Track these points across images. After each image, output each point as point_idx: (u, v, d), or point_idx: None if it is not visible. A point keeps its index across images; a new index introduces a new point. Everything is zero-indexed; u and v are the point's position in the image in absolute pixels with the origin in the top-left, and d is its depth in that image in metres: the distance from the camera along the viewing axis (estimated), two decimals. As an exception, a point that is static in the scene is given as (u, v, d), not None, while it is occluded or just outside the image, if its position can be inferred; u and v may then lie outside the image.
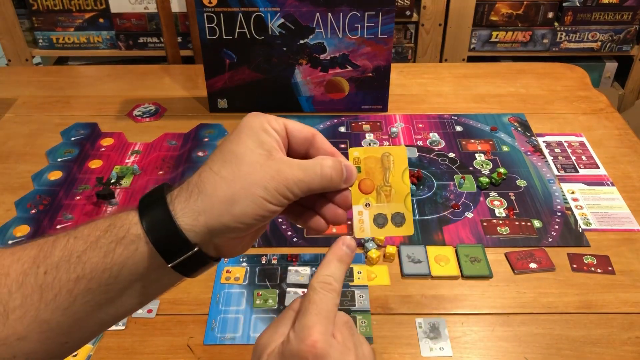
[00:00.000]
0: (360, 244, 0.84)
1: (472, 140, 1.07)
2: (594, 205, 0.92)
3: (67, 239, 0.39)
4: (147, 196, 0.40)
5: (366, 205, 0.43)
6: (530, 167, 1.00)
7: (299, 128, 0.42)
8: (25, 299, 0.38)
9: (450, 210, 0.90)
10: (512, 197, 0.93)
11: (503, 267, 0.81)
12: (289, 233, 0.86)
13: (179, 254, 0.38)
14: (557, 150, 1.04)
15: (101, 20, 1.73)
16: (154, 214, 0.38)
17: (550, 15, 1.74)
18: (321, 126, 1.11)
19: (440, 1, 1.73)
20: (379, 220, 0.43)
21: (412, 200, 0.92)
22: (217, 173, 0.38)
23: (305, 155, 0.42)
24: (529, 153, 1.03)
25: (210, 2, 1.03)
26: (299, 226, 0.44)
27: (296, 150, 0.42)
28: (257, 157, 0.38)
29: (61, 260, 0.38)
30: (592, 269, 0.80)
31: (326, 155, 0.41)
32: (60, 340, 0.40)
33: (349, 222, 0.87)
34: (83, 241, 0.39)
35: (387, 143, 1.06)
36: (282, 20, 1.05)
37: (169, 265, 0.38)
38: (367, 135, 1.08)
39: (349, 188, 0.42)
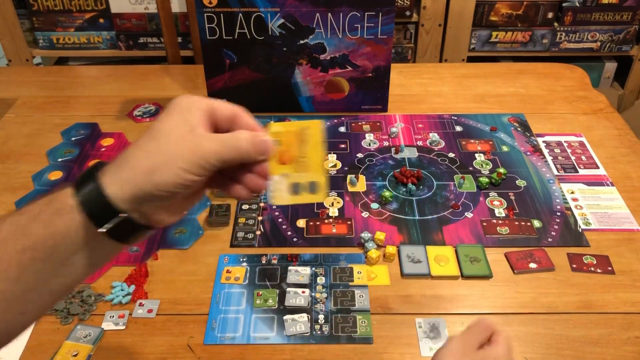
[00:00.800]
0: (360, 244, 0.84)
1: (472, 141, 1.07)
2: (594, 205, 0.92)
3: (14, 215, 0.43)
4: (82, 172, 0.44)
5: (284, 175, 0.46)
6: (530, 167, 1.00)
7: (223, 107, 0.46)
8: None
9: (450, 210, 0.91)
10: (512, 197, 0.93)
11: (503, 267, 0.81)
12: (289, 233, 0.87)
13: (109, 220, 0.42)
14: (557, 151, 1.04)
15: (101, 20, 1.73)
16: (86, 185, 0.42)
17: (550, 15, 1.74)
18: (321, 126, 1.11)
19: (440, 1, 1.72)
20: (295, 189, 0.46)
21: (412, 200, 0.93)
22: (142, 147, 0.42)
23: (231, 131, 0.45)
24: (528, 153, 1.03)
25: (210, 3, 1.03)
26: (224, 193, 0.47)
27: (222, 127, 0.46)
28: (180, 132, 0.42)
29: (8, 234, 0.42)
30: (592, 268, 0.80)
31: (244, 130, 0.45)
32: (15, 309, 0.43)
33: (348, 222, 0.87)
34: (27, 215, 0.42)
35: (387, 143, 1.06)
36: (282, 20, 1.05)
37: (100, 231, 0.42)
38: (367, 135, 1.08)
39: (268, 160, 0.45)
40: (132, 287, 0.77)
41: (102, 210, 0.41)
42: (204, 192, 0.48)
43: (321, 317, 0.74)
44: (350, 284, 0.78)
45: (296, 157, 0.46)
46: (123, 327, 0.73)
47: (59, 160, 1.03)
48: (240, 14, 1.04)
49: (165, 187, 0.41)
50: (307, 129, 0.46)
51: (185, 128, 0.42)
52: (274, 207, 0.91)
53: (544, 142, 1.07)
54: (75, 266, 0.43)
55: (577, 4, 1.73)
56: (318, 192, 0.46)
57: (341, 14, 1.04)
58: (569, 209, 0.91)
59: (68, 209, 0.41)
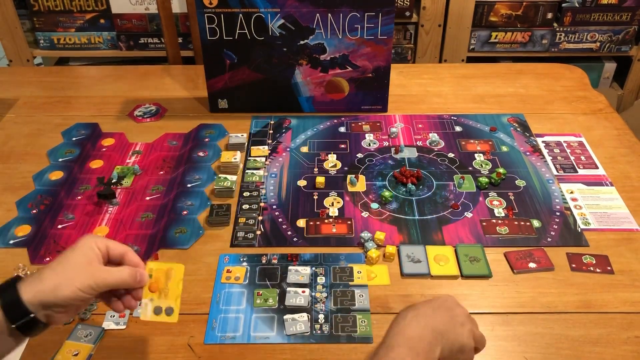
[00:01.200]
0: (360, 243, 0.84)
1: (472, 141, 1.07)
2: (593, 205, 0.92)
3: None
4: (5, 281, 0.58)
5: (151, 299, 0.63)
6: (529, 167, 1.00)
7: (115, 247, 0.63)
8: None
9: (449, 210, 0.91)
10: (511, 197, 0.93)
11: (502, 266, 0.81)
12: (289, 233, 0.87)
13: (21, 318, 0.56)
14: (556, 151, 1.04)
15: (102, 20, 1.73)
16: (7, 292, 0.57)
17: (550, 15, 1.75)
18: (321, 126, 1.11)
19: (439, 2, 1.73)
20: (157, 311, 0.63)
21: (412, 200, 0.93)
22: (52, 269, 0.59)
23: (120, 264, 0.63)
24: (528, 153, 1.04)
25: (210, 3, 1.04)
26: (108, 305, 0.64)
27: (114, 261, 0.63)
28: (80, 263, 0.59)
29: None
30: (591, 268, 0.81)
31: (128, 266, 0.62)
32: None
33: (348, 222, 0.88)
34: None
35: (387, 143, 1.07)
36: (282, 20, 1.05)
37: (14, 326, 0.56)
38: (367, 135, 1.09)
39: (142, 287, 0.63)
40: (133, 287, 0.78)
41: (17, 311, 0.56)
42: (93, 301, 0.66)
43: (321, 316, 0.74)
44: (350, 283, 0.78)
45: (161, 288, 0.64)
46: (124, 327, 0.73)
47: (60, 160, 1.03)
48: (241, 15, 1.05)
49: (64, 300, 0.57)
50: (172, 269, 0.65)
51: (85, 260, 0.60)
52: (274, 207, 0.92)
53: (543, 142, 1.07)
54: None
55: (577, 5, 1.73)
56: (173, 315, 0.63)
57: (341, 14, 1.05)
58: (569, 208, 0.91)
59: None
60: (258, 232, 0.87)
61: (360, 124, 1.12)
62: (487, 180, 0.95)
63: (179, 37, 1.57)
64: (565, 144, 1.06)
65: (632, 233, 0.87)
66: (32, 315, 0.56)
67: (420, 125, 1.12)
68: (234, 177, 0.96)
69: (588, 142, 1.06)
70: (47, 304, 0.57)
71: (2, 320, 0.56)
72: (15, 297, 0.56)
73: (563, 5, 1.73)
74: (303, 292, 0.77)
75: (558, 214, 0.90)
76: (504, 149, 1.05)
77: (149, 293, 0.63)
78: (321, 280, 0.79)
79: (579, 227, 0.88)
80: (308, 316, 0.74)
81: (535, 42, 1.79)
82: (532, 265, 0.81)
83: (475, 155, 1.03)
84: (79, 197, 0.94)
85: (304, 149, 1.05)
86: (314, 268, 0.81)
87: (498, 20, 1.76)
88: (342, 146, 1.06)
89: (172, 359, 0.69)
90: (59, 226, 0.88)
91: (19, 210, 0.91)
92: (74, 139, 1.09)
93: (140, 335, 0.72)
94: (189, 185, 0.96)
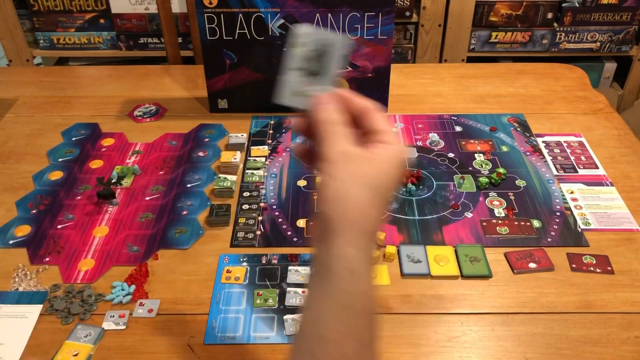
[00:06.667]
0: (360, 243, 0.84)
1: (472, 141, 1.07)
2: (593, 205, 0.92)
3: None
4: None
5: None
6: (529, 167, 1.00)
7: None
8: None
9: (449, 210, 0.91)
10: (512, 197, 0.93)
11: (502, 267, 0.81)
12: (289, 233, 0.87)
13: None
14: (557, 151, 1.04)
15: (102, 20, 1.74)
16: None
17: (550, 15, 1.75)
18: (321, 126, 1.11)
19: (439, 2, 1.73)
20: None
21: (412, 200, 0.93)
22: None
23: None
24: (528, 153, 1.03)
25: (210, 3, 1.04)
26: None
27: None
28: None
29: None
30: (592, 268, 0.81)
31: None
32: None
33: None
34: None
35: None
36: (282, 20, 1.05)
37: None
38: (367, 135, 1.08)
39: None
40: (133, 287, 0.78)
41: None
42: None
43: (321, 316, 0.74)
44: (350, 283, 0.78)
45: None
46: (123, 327, 0.73)
47: (60, 160, 1.03)
48: (241, 14, 1.04)
49: None
50: None
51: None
52: (274, 207, 0.92)
53: (543, 142, 1.07)
54: None
55: (577, 5, 1.73)
56: None
57: (341, 14, 1.04)
58: (569, 208, 0.91)
59: None
60: (258, 232, 0.87)
61: (360, 124, 1.12)
62: (487, 180, 0.95)
63: (178, 37, 1.57)
64: (565, 144, 1.06)
65: (632, 233, 0.87)
66: None
67: (420, 125, 1.12)
68: (233, 177, 0.95)
69: (588, 142, 1.06)
70: None
71: None
72: None
73: (563, 5, 1.74)
74: (303, 292, 0.77)
75: (558, 214, 0.90)
76: (504, 149, 1.05)
77: None
78: (321, 280, 0.79)
79: (579, 227, 0.87)
80: (308, 316, 0.74)
81: (536, 42, 1.79)
82: (532, 265, 0.81)
83: (476, 155, 1.03)
84: (79, 197, 0.94)
85: (304, 149, 1.05)
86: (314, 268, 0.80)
87: (498, 20, 1.76)
88: (342, 146, 1.05)
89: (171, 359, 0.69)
90: (59, 226, 0.88)
91: (19, 210, 0.91)
92: (73, 139, 1.08)
93: (140, 335, 0.72)
94: (188, 186, 0.96)
